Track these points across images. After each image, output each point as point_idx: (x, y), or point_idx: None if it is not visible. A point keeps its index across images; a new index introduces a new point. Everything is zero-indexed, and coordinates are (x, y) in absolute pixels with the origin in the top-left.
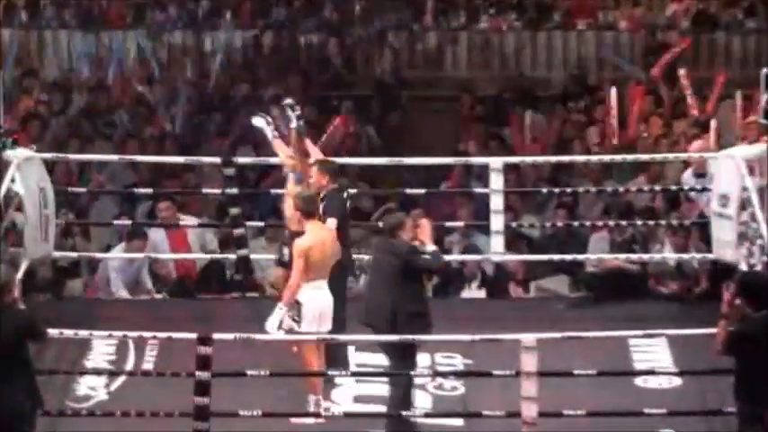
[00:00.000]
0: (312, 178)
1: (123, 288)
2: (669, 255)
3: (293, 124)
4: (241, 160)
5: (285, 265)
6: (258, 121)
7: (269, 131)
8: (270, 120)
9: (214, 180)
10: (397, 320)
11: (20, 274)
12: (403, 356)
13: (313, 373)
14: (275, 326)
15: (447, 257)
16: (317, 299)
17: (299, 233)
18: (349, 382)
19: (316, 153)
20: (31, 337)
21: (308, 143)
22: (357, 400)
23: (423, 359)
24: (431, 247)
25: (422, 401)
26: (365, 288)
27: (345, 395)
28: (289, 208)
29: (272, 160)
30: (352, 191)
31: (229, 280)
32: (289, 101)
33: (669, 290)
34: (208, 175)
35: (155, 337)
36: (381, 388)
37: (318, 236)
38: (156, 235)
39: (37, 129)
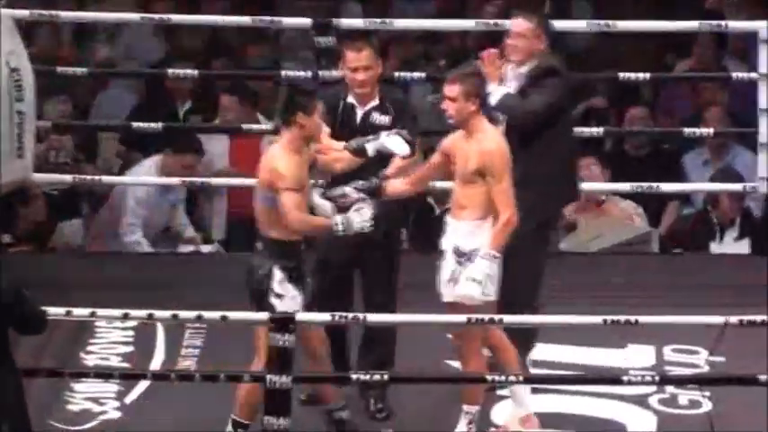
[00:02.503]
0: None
1: (149, 235)
2: None
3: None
4: (346, 22)
5: None
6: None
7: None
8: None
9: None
10: None
11: None
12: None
13: (471, 379)
14: (479, 290)
15: (687, 186)
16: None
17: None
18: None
19: None
20: (13, 321)
21: None
22: None
23: (643, 355)
24: None
25: (641, 424)
26: None
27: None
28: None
29: (400, 23)
30: None
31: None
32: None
33: None
34: (292, 50)
35: (200, 318)
36: (573, 403)
37: None
38: (215, 147)
39: None
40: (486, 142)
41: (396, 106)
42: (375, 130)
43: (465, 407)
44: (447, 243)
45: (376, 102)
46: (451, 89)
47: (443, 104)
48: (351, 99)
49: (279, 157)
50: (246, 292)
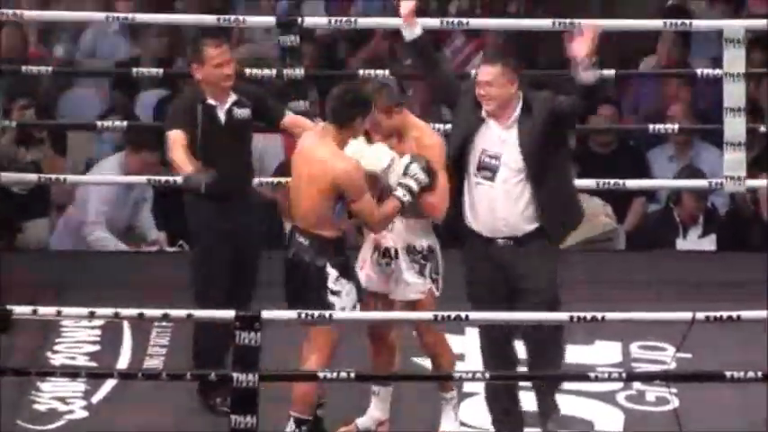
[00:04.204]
0: None
1: (112, 234)
2: None
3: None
4: (309, 21)
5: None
6: None
7: None
8: None
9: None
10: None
11: None
12: None
13: (440, 377)
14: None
15: (653, 183)
16: None
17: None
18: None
19: None
20: None
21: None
22: None
23: (610, 351)
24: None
25: (608, 421)
26: None
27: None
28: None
29: (364, 21)
30: None
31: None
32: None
33: None
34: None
35: (166, 317)
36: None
37: None
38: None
39: None
40: (425, 138)
41: (251, 98)
42: (239, 124)
43: (445, 394)
44: (396, 242)
45: (235, 97)
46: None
47: (371, 129)
48: (210, 100)
49: (340, 161)
50: (286, 288)
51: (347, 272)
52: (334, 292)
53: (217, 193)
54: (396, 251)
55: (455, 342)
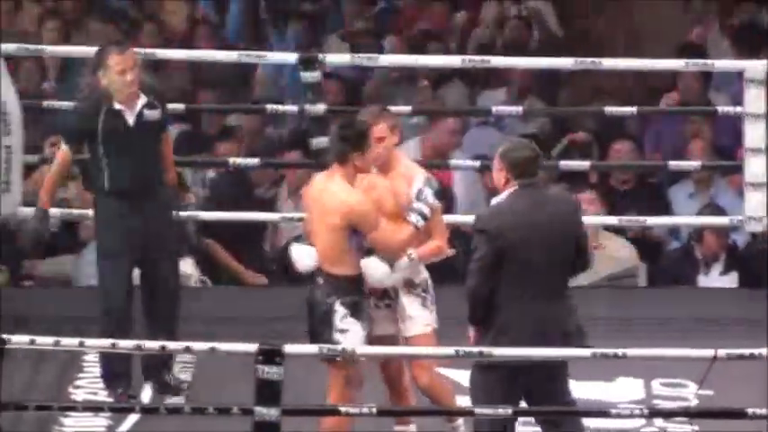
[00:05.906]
0: None
1: None
2: None
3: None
4: (332, 59)
5: None
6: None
7: None
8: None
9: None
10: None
11: None
12: None
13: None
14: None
15: (674, 220)
16: None
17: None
18: None
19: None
20: None
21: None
22: None
23: (631, 388)
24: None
25: None
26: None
27: None
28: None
29: (387, 59)
30: None
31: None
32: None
33: None
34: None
35: (188, 349)
36: None
37: None
38: None
39: None
40: (415, 175)
41: (156, 95)
42: (149, 126)
43: (452, 424)
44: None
45: (144, 99)
46: (382, 129)
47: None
48: (117, 105)
49: (350, 195)
50: (306, 325)
51: (358, 312)
52: (341, 331)
53: (125, 193)
54: (395, 290)
55: (461, 376)
